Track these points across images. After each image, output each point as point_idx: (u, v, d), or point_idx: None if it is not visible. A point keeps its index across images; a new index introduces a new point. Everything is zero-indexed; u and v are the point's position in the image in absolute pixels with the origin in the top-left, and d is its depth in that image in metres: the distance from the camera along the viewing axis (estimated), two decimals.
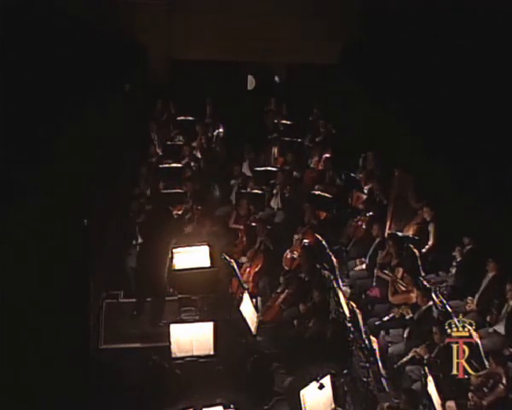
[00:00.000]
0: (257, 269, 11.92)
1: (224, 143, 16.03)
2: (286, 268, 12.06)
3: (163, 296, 11.77)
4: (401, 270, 11.15)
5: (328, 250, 11.51)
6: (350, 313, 10.12)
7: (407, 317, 10.46)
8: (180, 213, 13.20)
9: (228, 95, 17.10)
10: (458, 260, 11.37)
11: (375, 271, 11.57)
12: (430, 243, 11.95)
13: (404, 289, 10.86)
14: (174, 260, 11.40)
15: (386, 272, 11.34)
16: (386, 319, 10.63)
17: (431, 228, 11.99)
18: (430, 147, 13.09)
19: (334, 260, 11.29)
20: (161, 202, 12.94)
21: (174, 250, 11.49)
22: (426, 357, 9.43)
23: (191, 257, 11.40)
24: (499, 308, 10.15)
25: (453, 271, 11.42)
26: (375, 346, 9.53)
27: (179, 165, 14.68)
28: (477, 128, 12.53)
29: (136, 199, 13.10)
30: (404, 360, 9.73)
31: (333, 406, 8.79)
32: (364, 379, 9.88)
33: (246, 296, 10.56)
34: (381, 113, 15.02)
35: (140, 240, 12.29)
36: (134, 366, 10.46)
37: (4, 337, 9.58)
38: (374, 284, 11.57)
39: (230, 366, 10.22)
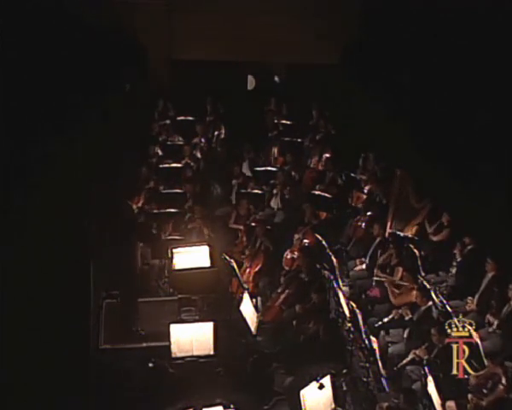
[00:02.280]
0: (257, 269, 11.91)
1: (224, 143, 16.02)
2: (286, 268, 12.05)
3: (135, 298, 11.44)
4: (401, 270, 11.16)
5: (328, 250, 11.51)
6: (350, 313, 10.12)
7: (406, 318, 10.46)
8: (139, 205, 13.13)
9: (228, 95, 17.10)
10: (458, 260, 11.37)
11: (375, 271, 11.57)
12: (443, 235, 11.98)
13: (397, 291, 10.87)
14: (174, 260, 11.39)
15: (382, 275, 11.36)
16: (385, 320, 10.63)
17: (446, 232, 11.97)
18: (430, 147, 13.08)
19: (334, 260, 11.29)
20: (121, 199, 12.72)
21: (174, 250, 11.49)
22: (425, 358, 9.42)
23: (191, 257, 11.40)
24: (499, 308, 10.14)
25: (453, 271, 11.41)
26: (375, 346, 9.52)
27: (179, 165, 14.68)
28: (477, 128, 12.54)
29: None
30: (404, 361, 9.72)
31: (333, 406, 8.77)
32: (364, 379, 9.88)
33: (246, 296, 10.56)
34: (381, 113, 15.01)
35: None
36: (134, 366, 10.44)
37: (4, 337, 9.59)
38: (374, 284, 11.56)
39: (230, 366, 10.22)
